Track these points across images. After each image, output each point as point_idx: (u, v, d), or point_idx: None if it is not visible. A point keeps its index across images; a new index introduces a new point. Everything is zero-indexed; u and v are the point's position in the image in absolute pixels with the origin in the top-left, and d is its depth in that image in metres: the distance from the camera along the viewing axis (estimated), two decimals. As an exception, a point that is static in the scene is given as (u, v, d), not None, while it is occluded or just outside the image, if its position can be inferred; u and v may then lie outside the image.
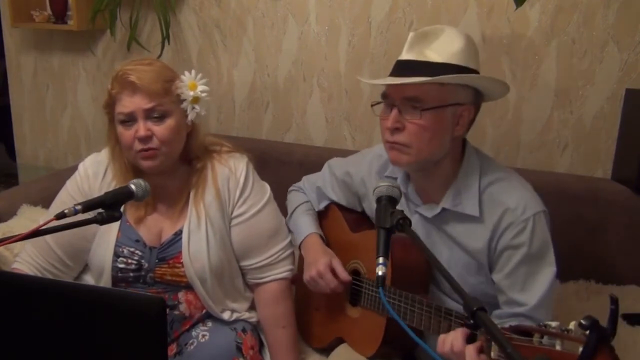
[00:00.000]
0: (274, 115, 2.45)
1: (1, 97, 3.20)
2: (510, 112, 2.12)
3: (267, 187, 1.65)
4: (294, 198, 1.80)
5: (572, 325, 0.95)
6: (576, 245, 1.88)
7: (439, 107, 1.33)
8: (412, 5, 2.15)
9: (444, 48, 1.34)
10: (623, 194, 1.91)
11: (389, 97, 1.38)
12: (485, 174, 1.41)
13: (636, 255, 1.87)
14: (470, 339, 1.14)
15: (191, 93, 1.49)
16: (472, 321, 0.97)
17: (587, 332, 0.88)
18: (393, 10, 2.18)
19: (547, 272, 1.34)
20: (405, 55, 1.38)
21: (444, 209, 1.41)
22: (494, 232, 1.36)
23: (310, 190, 1.78)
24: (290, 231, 1.70)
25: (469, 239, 1.40)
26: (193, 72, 1.51)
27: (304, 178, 1.83)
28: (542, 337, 0.97)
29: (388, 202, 1.19)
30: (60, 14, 2.58)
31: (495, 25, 2.08)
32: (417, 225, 1.45)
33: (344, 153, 1.91)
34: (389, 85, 1.38)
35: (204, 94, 1.51)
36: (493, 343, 1.06)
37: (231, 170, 1.57)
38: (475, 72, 1.37)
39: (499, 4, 2.06)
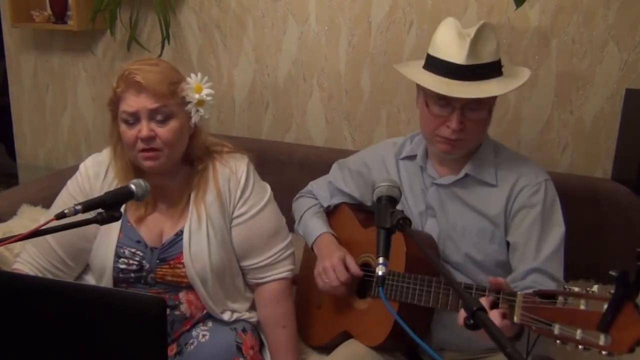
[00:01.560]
0: (274, 115, 2.45)
1: (1, 97, 3.20)
2: (510, 112, 2.12)
3: (268, 187, 1.65)
4: (300, 204, 1.81)
5: (595, 287, 0.98)
6: (576, 245, 1.88)
7: (493, 105, 1.49)
8: (412, 5, 2.15)
9: (488, 48, 1.43)
10: (623, 194, 1.91)
11: (452, 102, 1.43)
12: (498, 153, 1.55)
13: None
14: (493, 306, 1.20)
15: (196, 96, 1.49)
16: (472, 321, 0.97)
17: (610, 289, 0.90)
18: (393, 10, 2.18)
19: (557, 231, 1.45)
20: (461, 58, 1.41)
21: (466, 174, 1.51)
22: (510, 195, 1.48)
23: (320, 189, 1.78)
24: (293, 231, 1.71)
25: (487, 205, 1.49)
26: (199, 75, 1.50)
27: (311, 182, 1.84)
28: (565, 299, 0.98)
29: (388, 202, 1.19)
30: (60, 14, 2.58)
31: (495, 25, 2.08)
32: (433, 197, 1.55)
33: (344, 153, 1.91)
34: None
35: (209, 98, 1.50)
36: (516, 307, 1.11)
37: (232, 171, 1.57)
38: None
39: (499, 4, 2.06)
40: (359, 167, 1.70)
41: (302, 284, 1.80)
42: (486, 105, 1.45)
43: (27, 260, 1.54)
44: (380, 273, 1.06)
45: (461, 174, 1.51)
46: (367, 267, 1.59)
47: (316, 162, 2.10)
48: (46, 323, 1.05)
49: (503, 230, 1.48)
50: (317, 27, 2.29)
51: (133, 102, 1.43)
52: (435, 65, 1.46)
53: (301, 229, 1.75)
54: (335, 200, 1.74)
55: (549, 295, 1.02)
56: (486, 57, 1.43)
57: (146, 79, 1.41)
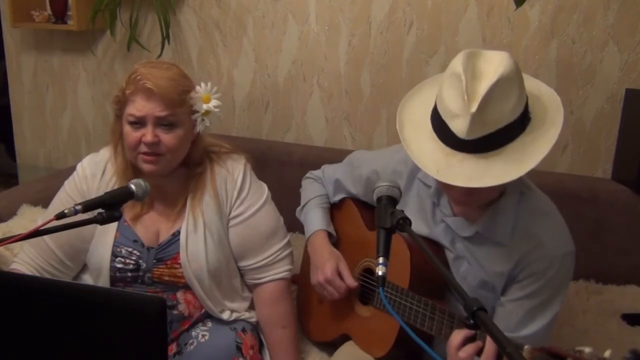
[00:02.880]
0: (274, 115, 2.45)
1: (1, 97, 3.20)
2: (510, 112, 2.12)
3: (265, 187, 1.64)
4: (309, 188, 1.76)
5: (607, 353, 0.91)
6: (576, 245, 1.88)
7: None
8: (412, 5, 2.15)
9: (502, 110, 1.17)
10: (623, 194, 1.91)
11: None
12: (523, 200, 1.35)
13: (636, 255, 1.88)
14: (470, 340, 1.16)
15: (204, 106, 1.48)
16: (472, 321, 0.97)
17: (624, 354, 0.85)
18: (393, 10, 2.18)
19: (551, 312, 1.32)
20: (462, 130, 1.17)
21: (477, 232, 1.36)
22: (519, 261, 1.32)
23: (328, 182, 1.74)
24: (291, 230, 1.70)
25: (493, 263, 1.36)
26: (210, 84, 1.50)
27: (323, 167, 1.78)
28: None
29: (388, 202, 1.19)
30: (60, 14, 2.58)
31: (495, 25, 2.08)
32: (441, 234, 1.42)
33: (344, 153, 1.91)
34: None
35: (216, 109, 1.50)
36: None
37: (228, 171, 1.57)
38: (526, 104, 1.23)
39: (499, 4, 2.06)
40: (369, 174, 1.62)
41: (303, 280, 1.79)
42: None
43: (25, 260, 1.54)
44: (380, 273, 1.06)
45: (472, 231, 1.36)
46: (369, 274, 1.57)
47: (316, 162, 2.09)
48: (46, 323, 1.05)
49: (502, 288, 1.37)
50: (317, 27, 2.29)
51: (141, 107, 1.42)
52: (439, 126, 1.23)
53: (302, 216, 1.73)
54: (339, 197, 1.71)
55: (558, 355, 0.98)
56: (498, 123, 1.16)
57: (158, 86, 1.40)
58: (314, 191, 1.74)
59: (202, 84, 1.49)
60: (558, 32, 2.02)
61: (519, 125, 1.20)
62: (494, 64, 1.19)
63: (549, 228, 1.32)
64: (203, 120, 1.49)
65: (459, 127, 1.17)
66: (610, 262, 1.91)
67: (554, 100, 1.28)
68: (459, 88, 1.17)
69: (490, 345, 1.12)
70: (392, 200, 1.19)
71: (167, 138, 1.44)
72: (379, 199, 1.19)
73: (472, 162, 1.18)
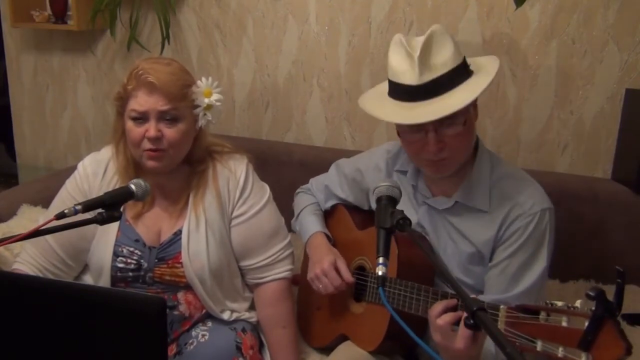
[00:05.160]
0: (274, 115, 2.45)
1: (1, 97, 3.20)
2: (511, 112, 2.12)
3: (267, 187, 1.65)
4: (300, 200, 1.81)
5: (578, 303, 0.96)
6: (576, 245, 1.88)
7: (470, 113, 1.38)
8: (412, 5, 2.15)
9: (442, 57, 1.34)
10: (623, 194, 1.91)
11: (422, 125, 1.33)
12: (495, 169, 1.45)
13: (636, 255, 1.87)
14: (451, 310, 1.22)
15: (206, 100, 1.49)
16: (472, 321, 0.97)
17: (593, 305, 0.88)
18: (393, 10, 2.18)
19: (538, 267, 1.38)
20: (413, 78, 1.33)
21: (456, 202, 1.44)
22: (502, 223, 1.40)
23: (318, 191, 1.79)
24: (291, 231, 1.71)
25: (477, 232, 1.42)
26: (210, 79, 1.51)
27: (311, 180, 1.84)
28: (548, 314, 0.98)
29: (388, 202, 1.19)
30: (60, 14, 2.58)
31: (495, 25, 2.08)
32: (424, 217, 1.49)
33: (344, 153, 1.91)
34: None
35: (218, 103, 1.51)
36: (499, 322, 1.10)
37: (231, 171, 1.57)
38: (465, 59, 1.39)
39: (499, 4, 2.06)
40: (353, 173, 1.69)
41: (303, 284, 1.80)
42: (460, 117, 1.33)
43: (27, 260, 1.54)
44: (380, 273, 1.06)
45: (451, 202, 1.45)
46: (362, 271, 1.59)
47: (316, 162, 2.10)
48: (46, 323, 1.05)
49: (488, 258, 1.43)
50: (317, 27, 2.29)
51: (144, 102, 1.42)
52: (395, 90, 1.39)
53: (298, 225, 1.76)
54: (330, 204, 1.75)
55: (532, 311, 1.02)
56: (442, 68, 1.33)
57: (159, 80, 1.41)
58: (306, 201, 1.79)
59: (203, 79, 1.50)
60: (558, 32, 2.02)
61: (463, 72, 1.36)
62: (424, 36, 1.35)
63: (523, 189, 1.41)
64: (205, 114, 1.50)
65: (410, 76, 1.33)
66: (610, 262, 1.91)
67: (490, 57, 1.45)
68: (402, 48, 1.35)
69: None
70: (392, 200, 1.20)
71: (170, 132, 1.44)
72: (379, 199, 1.20)
73: (430, 105, 1.32)
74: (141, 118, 1.43)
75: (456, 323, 1.19)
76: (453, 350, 1.17)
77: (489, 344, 1.33)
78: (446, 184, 1.46)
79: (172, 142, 1.45)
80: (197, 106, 1.49)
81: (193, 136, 1.52)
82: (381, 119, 1.42)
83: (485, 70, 1.39)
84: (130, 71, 1.45)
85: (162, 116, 1.43)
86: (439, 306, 1.23)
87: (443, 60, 1.33)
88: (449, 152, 1.37)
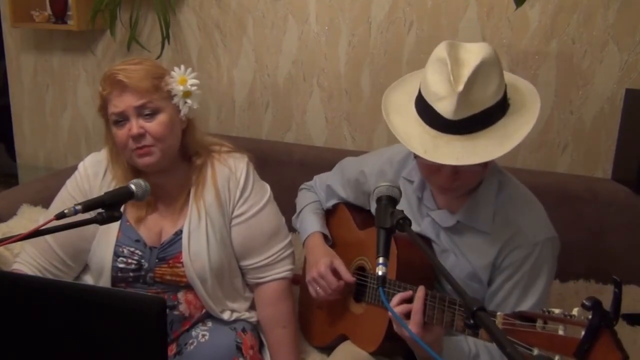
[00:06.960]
0: (274, 115, 2.45)
1: (1, 97, 3.20)
2: (510, 112, 2.12)
3: (267, 187, 1.65)
4: (303, 197, 1.81)
5: (575, 311, 0.96)
6: (576, 245, 1.88)
7: None
8: (412, 5, 2.15)
9: (486, 92, 1.23)
10: (623, 194, 1.91)
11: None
12: (502, 191, 1.40)
13: (636, 255, 1.88)
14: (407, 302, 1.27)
15: (181, 88, 1.48)
16: (472, 321, 0.97)
17: (590, 314, 0.89)
18: (393, 10, 2.18)
19: (533, 297, 1.35)
20: (449, 111, 1.22)
21: (458, 222, 1.40)
22: (501, 250, 1.36)
23: (320, 189, 1.79)
24: (291, 230, 1.71)
25: (477, 255, 1.39)
26: (182, 67, 1.50)
27: (315, 177, 1.83)
28: (545, 322, 0.98)
29: (388, 202, 1.19)
30: (60, 14, 2.58)
31: (495, 25, 2.08)
32: (427, 228, 1.46)
33: (344, 153, 1.91)
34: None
35: (194, 88, 1.50)
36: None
37: (231, 170, 1.57)
38: (505, 91, 1.30)
39: (499, 4, 2.06)
40: (357, 175, 1.67)
41: (304, 284, 1.80)
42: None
43: (27, 260, 1.54)
44: (380, 273, 1.06)
45: (454, 220, 1.40)
46: (362, 271, 1.59)
47: (316, 162, 2.10)
48: (46, 323, 1.05)
49: (488, 277, 1.41)
50: (317, 27, 2.30)
51: (118, 102, 1.43)
52: (425, 111, 1.28)
53: (298, 223, 1.76)
54: (331, 203, 1.75)
55: (529, 318, 1.02)
56: (481, 105, 1.23)
57: (128, 77, 1.42)
58: (308, 198, 1.79)
59: (176, 68, 1.50)
60: (558, 32, 2.02)
61: (501, 109, 1.27)
62: (474, 53, 1.25)
63: (527, 215, 1.37)
64: (186, 102, 1.49)
65: (446, 108, 1.22)
66: (610, 262, 1.91)
67: (530, 89, 1.35)
68: (444, 72, 1.23)
69: (418, 302, 1.23)
70: (392, 200, 1.20)
71: (152, 126, 1.44)
72: (379, 199, 1.20)
73: (458, 142, 1.23)
74: (122, 119, 1.44)
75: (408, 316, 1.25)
76: (406, 338, 1.27)
77: (464, 344, 1.35)
78: (452, 199, 1.42)
79: (156, 136, 1.44)
80: (174, 95, 1.49)
81: (180, 128, 1.52)
82: (402, 142, 1.28)
83: (526, 110, 1.30)
84: (102, 77, 1.47)
85: (140, 112, 1.44)
86: (396, 298, 1.29)
87: (485, 97, 1.23)
88: (462, 182, 1.32)
